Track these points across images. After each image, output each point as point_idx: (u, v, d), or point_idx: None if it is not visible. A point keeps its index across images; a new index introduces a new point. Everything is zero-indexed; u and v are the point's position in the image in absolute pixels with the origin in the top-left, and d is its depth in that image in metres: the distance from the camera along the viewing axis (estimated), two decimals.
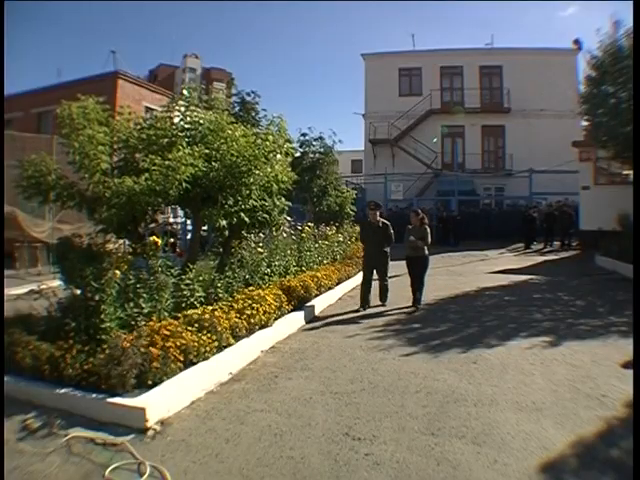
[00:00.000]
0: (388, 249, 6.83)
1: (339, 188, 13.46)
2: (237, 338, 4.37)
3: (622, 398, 3.34)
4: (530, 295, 7.62)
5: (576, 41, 21.14)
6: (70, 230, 9.16)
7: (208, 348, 3.83)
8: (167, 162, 4.36)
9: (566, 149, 15.10)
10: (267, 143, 5.29)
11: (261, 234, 7.15)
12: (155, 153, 4.59)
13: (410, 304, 6.64)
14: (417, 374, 3.96)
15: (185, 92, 5.94)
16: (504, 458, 2.59)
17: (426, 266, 6.78)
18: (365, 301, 6.74)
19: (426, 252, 6.64)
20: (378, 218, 6.84)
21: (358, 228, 9.21)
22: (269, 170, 5.31)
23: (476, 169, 21.65)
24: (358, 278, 9.04)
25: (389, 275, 7.03)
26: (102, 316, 3.62)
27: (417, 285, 6.63)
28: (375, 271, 6.89)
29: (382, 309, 6.69)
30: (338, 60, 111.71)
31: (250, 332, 4.61)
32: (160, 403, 3.12)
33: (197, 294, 4.73)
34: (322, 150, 13.36)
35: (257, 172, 5.10)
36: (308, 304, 6.27)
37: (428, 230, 6.66)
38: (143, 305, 4.00)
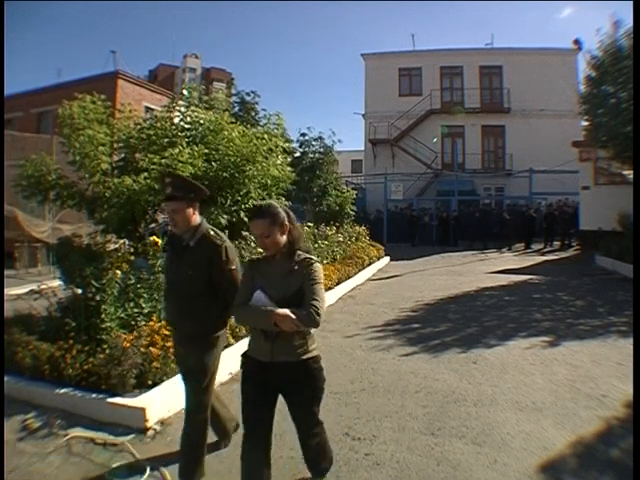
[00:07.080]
0: (211, 313, 2.36)
1: (339, 188, 13.45)
2: (237, 338, 4.36)
3: (622, 398, 3.34)
4: (530, 295, 7.61)
5: (576, 41, 21.11)
6: (70, 230, 9.18)
7: None
8: (164, 160, 4.37)
9: (566, 149, 15.08)
10: (264, 141, 5.30)
11: None
12: (155, 153, 4.60)
13: None
14: (417, 374, 3.96)
15: (185, 92, 5.96)
16: (504, 458, 2.59)
17: (318, 394, 2.10)
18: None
19: (311, 349, 2.05)
20: (193, 223, 2.35)
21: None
22: (265, 165, 5.31)
23: (476, 169, 21.60)
24: (358, 278, 8.94)
25: None
26: (102, 316, 3.62)
27: (309, 446, 2.21)
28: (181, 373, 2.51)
29: None
30: (338, 60, 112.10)
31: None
32: (160, 403, 3.12)
33: None
34: (322, 150, 13.37)
35: (255, 167, 5.09)
36: None
37: (318, 269, 2.00)
38: (143, 305, 4.00)
